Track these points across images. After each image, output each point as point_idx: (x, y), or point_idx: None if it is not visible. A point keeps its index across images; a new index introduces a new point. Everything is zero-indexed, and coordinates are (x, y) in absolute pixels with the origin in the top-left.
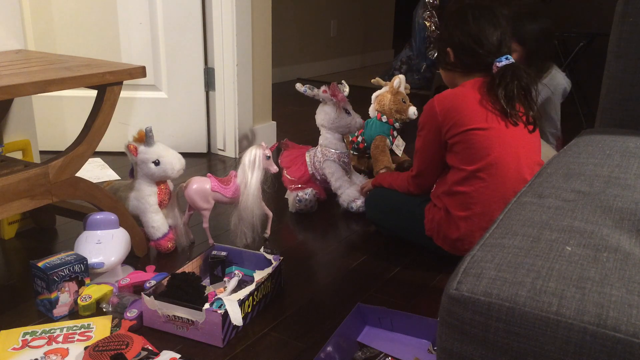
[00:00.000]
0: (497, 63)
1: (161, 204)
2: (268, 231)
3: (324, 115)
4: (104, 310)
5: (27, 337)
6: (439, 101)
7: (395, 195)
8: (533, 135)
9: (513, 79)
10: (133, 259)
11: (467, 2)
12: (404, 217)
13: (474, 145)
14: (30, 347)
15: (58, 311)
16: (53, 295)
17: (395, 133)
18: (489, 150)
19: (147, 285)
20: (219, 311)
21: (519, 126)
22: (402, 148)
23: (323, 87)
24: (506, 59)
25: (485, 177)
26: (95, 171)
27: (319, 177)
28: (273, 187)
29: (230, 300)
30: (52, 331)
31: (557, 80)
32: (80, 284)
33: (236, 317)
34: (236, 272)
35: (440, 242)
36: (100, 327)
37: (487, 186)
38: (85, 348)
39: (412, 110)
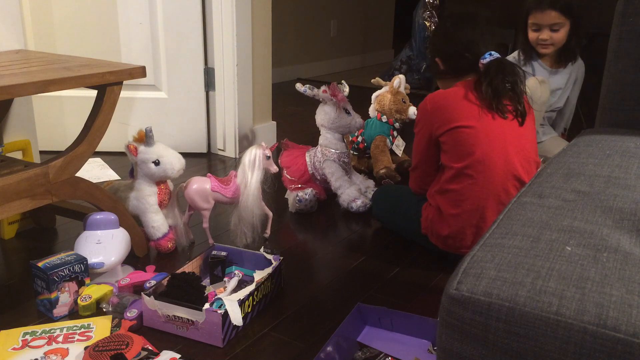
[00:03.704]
0: (482, 60)
1: (161, 204)
2: (268, 231)
3: (324, 115)
4: (104, 310)
5: (27, 337)
6: (430, 99)
7: (397, 194)
8: (524, 128)
9: (497, 73)
10: (133, 259)
11: (446, 13)
12: (403, 216)
13: (461, 143)
14: (30, 347)
15: (58, 311)
16: (53, 295)
17: (395, 133)
18: (474, 148)
19: (147, 285)
20: (219, 311)
21: (507, 120)
22: (402, 148)
23: (323, 87)
24: (489, 55)
25: (473, 174)
26: (95, 171)
27: (319, 177)
28: (273, 187)
29: (230, 300)
30: (52, 331)
31: (580, 62)
32: (80, 284)
33: (236, 317)
34: (236, 272)
35: (433, 239)
36: (100, 327)
37: (475, 183)
38: (85, 348)
39: (412, 110)
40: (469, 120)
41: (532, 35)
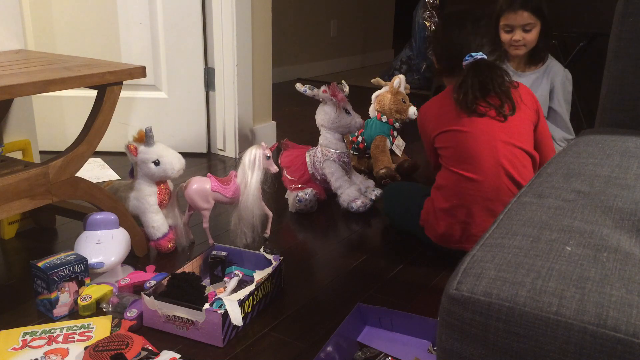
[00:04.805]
0: (464, 62)
1: (161, 204)
2: (268, 231)
3: (324, 115)
4: (104, 310)
5: (27, 337)
6: (423, 108)
7: (407, 190)
8: (513, 125)
9: (468, 75)
10: (133, 259)
11: (445, 12)
12: (409, 210)
13: (451, 145)
14: (30, 347)
15: (58, 311)
16: (53, 295)
17: (395, 133)
18: (463, 148)
19: (147, 285)
20: (219, 311)
21: (494, 118)
22: (402, 148)
23: (323, 87)
24: (470, 56)
25: (462, 172)
26: (95, 171)
27: (319, 177)
28: (273, 187)
29: (230, 300)
30: (52, 331)
31: (556, 69)
32: (80, 284)
33: (236, 317)
34: (236, 272)
35: (428, 232)
36: (100, 327)
37: (464, 180)
38: (85, 348)
39: (412, 110)
40: (454, 124)
41: (504, 36)
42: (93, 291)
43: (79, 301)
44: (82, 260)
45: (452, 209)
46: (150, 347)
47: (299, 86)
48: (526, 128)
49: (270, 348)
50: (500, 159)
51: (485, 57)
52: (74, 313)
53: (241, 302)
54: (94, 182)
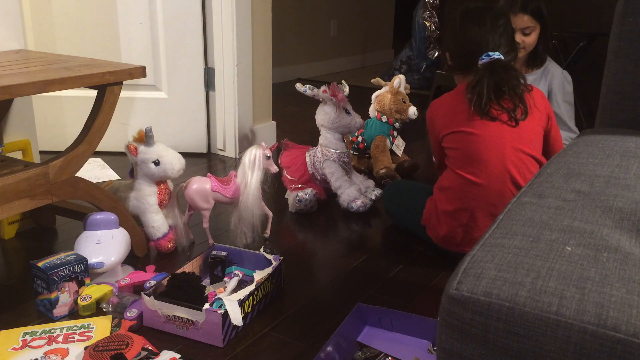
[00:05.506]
0: (480, 61)
1: (161, 204)
2: (268, 231)
3: (324, 115)
4: (104, 310)
5: (27, 337)
6: (432, 106)
7: (408, 189)
8: (523, 129)
9: (484, 76)
10: (133, 259)
11: (461, 6)
12: (410, 209)
13: (458, 147)
14: (30, 347)
15: (58, 311)
16: (53, 295)
17: (395, 133)
18: (470, 151)
19: (147, 285)
20: (219, 311)
21: (504, 121)
22: (402, 148)
23: (323, 87)
24: (487, 56)
25: (468, 176)
26: (95, 171)
27: (319, 177)
28: (273, 187)
29: (230, 300)
30: (52, 331)
31: (553, 71)
32: (80, 284)
33: (236, 317)
34: (236, 272)
35: (429, 233)
36: (100, 327)
37: (468, 183)
38: (85, 348)
39: (412, 110)
40: (465, 125)
41: None
42: (93, 291)
43: (79, 301)
44: (82, 260)
45: (455, 212)
46: (150, 347)
47: (299, 86)
48: (536, 134)
49: (270, 348)
50: (507, 165)
51: (502, 57)
52: (74, 313)
53: (241, 302)
54: (94, 182)
